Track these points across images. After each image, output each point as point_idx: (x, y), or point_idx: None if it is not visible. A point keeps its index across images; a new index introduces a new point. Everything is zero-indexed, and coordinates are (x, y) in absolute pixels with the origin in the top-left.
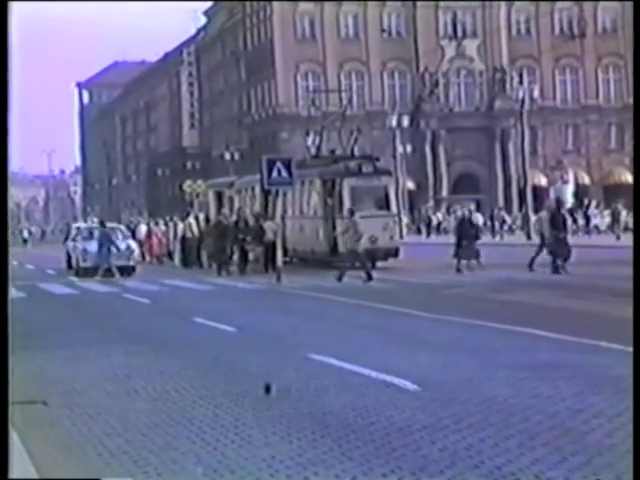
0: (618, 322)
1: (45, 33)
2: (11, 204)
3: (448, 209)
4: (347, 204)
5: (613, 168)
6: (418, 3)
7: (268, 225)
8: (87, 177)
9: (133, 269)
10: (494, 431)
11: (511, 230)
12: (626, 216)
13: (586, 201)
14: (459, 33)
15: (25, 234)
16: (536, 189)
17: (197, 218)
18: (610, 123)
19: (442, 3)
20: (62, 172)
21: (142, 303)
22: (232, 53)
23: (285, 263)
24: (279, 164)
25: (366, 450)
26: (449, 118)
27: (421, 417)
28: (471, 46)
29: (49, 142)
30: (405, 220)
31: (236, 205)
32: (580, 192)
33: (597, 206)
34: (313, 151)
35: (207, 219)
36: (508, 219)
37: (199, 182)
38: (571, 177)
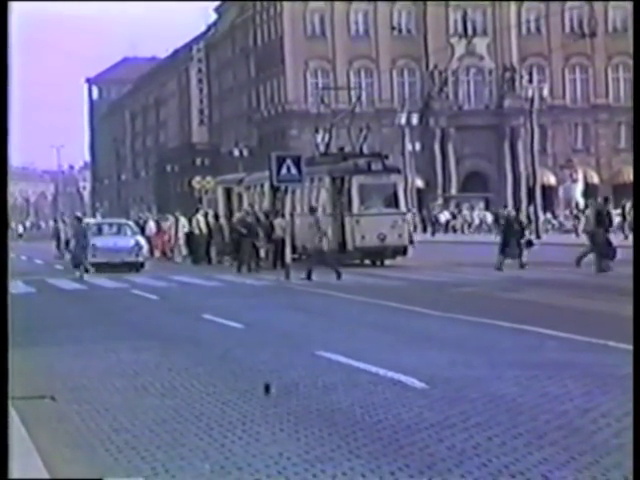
0: (627, 321)
1: (56, 30)
2: (20, 199)
3: (457, 207)
4: (356, 202)
5: (623, 167)
6: (428, 1)
7: (278, 222)
8: (96, 173)
9: (142, 265)
10: (502, 430)
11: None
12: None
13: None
14: (469, 31)
15: (20, 229)
16: (545, 188)
17: (206, 215)
18: (620, 122)
19: (452, 1)
20: (71, 167)
21: (150, 299)
22: (242, 50)
23: (294, 260)
24: (288, 161)
25: (374, 448)
26: (458, 116)
27: (429, 415)
28: (481, 44)
29: (58, 137)
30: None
31: (245, 202)
32: (589, 191)
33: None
34: (322, 148)
35: (216, 216)
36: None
37: (208, 178)
38: (580, 176)
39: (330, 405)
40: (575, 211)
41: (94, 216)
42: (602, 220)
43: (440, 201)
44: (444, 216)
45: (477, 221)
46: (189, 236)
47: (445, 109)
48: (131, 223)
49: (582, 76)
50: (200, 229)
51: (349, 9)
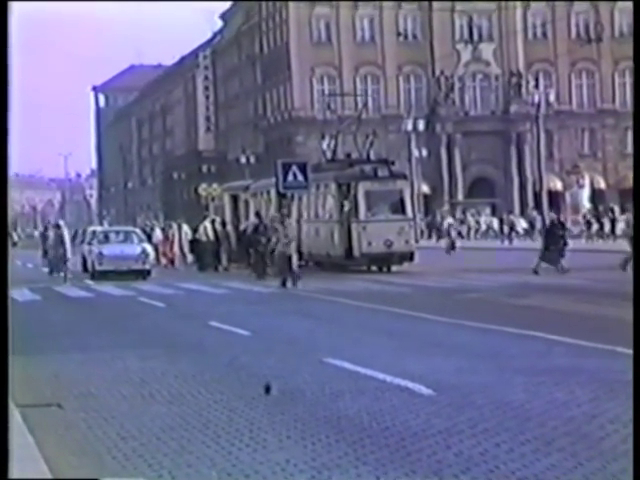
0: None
1: (62, 37)
2: (27, 207)
3: (463, 213)
4: (362, 208)
5: (629, 173)
6: (434, 6)
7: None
8: (103, 180)
9: (149, 273)
10: (509, 436)
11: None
12: None
13: (611, 206)
14: (475, 37)
15: (15, 237)
16: (552, 193)
17: (213, 222)
18: (627, 127)
19: (458, 7)
20: (78, 175)
21: (157, 307)
22: (248, 56)
23: (300, 267)
24: (295, 168)
25: (381, 455)
26: (465, 122)
27: (436, 422)
28: (487, 50)
29: (65, 145)
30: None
31: (252, 209)
32: (596, 197)
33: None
34: (329, 155)
35: (223, 223)
36: (524, 223)
37: (215, 186)
38: (587, 181)
39: (337, 412)
40: (588, 216)
41: (101, 224)
42: None
43: (447, 207)
44: (447, 223)
45: (484, 227)
46: (195, 243)
47: (451, 115)
48: (138, 231)
49: (589, 81)
50: (207, 236)
51: (355, 15)
